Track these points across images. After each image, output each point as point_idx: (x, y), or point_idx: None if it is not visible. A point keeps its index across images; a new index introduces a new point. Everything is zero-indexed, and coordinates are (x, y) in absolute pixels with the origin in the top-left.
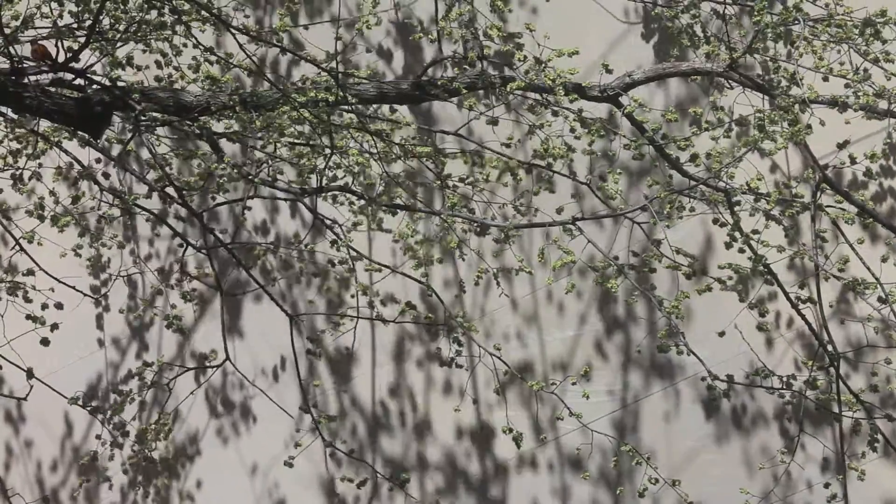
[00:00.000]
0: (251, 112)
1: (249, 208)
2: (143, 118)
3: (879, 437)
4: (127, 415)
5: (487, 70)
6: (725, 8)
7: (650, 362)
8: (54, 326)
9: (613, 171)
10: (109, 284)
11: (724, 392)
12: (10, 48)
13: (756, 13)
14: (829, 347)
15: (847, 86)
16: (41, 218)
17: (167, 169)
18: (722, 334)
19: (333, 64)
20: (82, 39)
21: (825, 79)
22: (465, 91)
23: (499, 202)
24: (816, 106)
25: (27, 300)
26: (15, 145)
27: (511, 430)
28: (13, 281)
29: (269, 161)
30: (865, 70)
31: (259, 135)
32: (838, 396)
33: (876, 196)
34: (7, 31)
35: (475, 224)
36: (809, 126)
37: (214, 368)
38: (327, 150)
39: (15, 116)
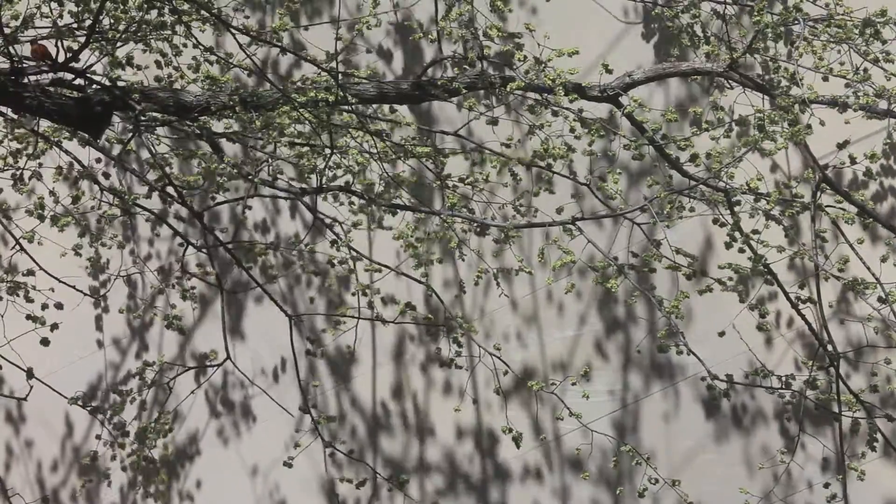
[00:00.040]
0: (251, 112)
1: (250, 207)
2: (143, 118)
3: (879, 436)
4: (128, 415)
5: (487, 70)
6: (725, 8)
7: (650, 362)
8: (54, 326)
9: (613, 172)
10: (109, 284)
11: (724, 392)
12: (10, 48)
13: (756, 13)
14: (829, 347)
15: (847, 85)
16: (41, 218)
17: (167, 169)
18: (722, 334)
19: (333, 64)
20: (82, 39)
21: (825, 79)
22: (465, 91)
23: (499, 202)
24: (816, 106)
25: (28, 300)
26: (15, 145)
27: (511, 430)
28: (13, 281)
29: (269, 161)
30: (865, 70)
31: (259, 135)
32: (838, 396)
33: (876, 196)
34: (7, 31)
35: (475, 224)
36: (809, 126)
37: (215, 368)
38: (327, 150)
39: (15, 116)
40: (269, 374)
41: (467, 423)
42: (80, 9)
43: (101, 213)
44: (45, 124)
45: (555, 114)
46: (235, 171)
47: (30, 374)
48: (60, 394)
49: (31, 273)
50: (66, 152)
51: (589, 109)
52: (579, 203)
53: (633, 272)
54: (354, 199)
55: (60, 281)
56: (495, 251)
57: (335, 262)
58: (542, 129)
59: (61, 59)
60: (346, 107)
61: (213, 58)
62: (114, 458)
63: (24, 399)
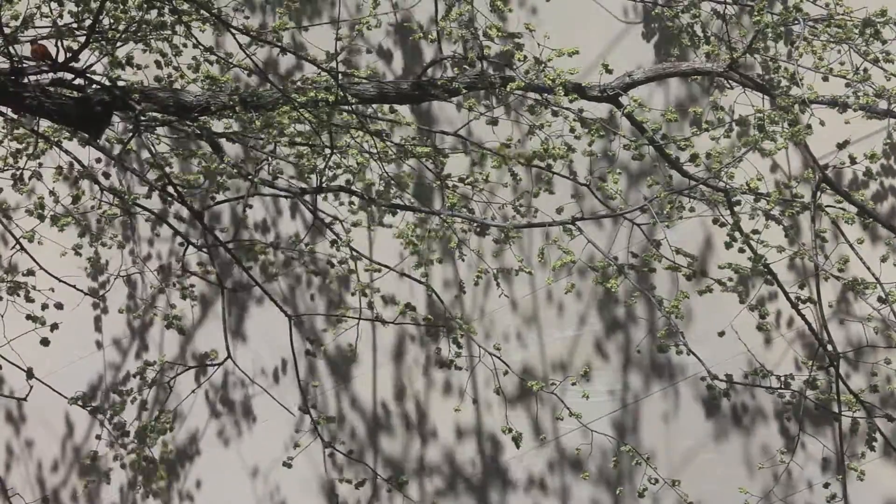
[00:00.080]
0: (251, 112)
1: (250, 206)
2: (143, 118)
3: (878, 436)
4: (128, 416)
5: (487, 70)
6: (726, 8)
7: (650, 362)
8: (54, 326)
9: (613, 172)
10: (109, 284)
11: (724, 392)
12: (10, 48)
13: (756, 13)
14: (829, 347)
15: (847, 85)
16: (41, 217)
17: (167, 169)
18: (722, 334)
19: (333, 64)
20: (82, 39)
21: (825, 79)
22: (465, 91)
23: (499, 202)
24: (816, 106)
25: (28, 300)
26: (15, 145)
27: (511, 430)
28: (13, 281)
29: (269, 160)
30: (865, 70)
31: (259, 135)
32: (838, 396)
33: (876, 196)
34: (7, 31)
35: (475, 224)
36: (809, 126)
37: (216, 366)
38: (327, 150)
39: (15, 116)
40: (270, 375)
41: (467, 423)
42: (80, 9)
43: (100, 212)
44: (45, 124)
45: (555, 114)
46: (235, 171)
47: (30, 374)
48: (60, 394)
49: (31, 273)
50: (67, 152)
51: (589, 109)
52: (579, 203)
53: (632, 272)
54: (354, 198)
55: (61, 280)
56: (495, 251)
57: (335, 262)
58: (541, 130)
59: (61, 59)
60: (346, 107)
61: (213, 58)
62: (116, 458)
63: (24, 399)
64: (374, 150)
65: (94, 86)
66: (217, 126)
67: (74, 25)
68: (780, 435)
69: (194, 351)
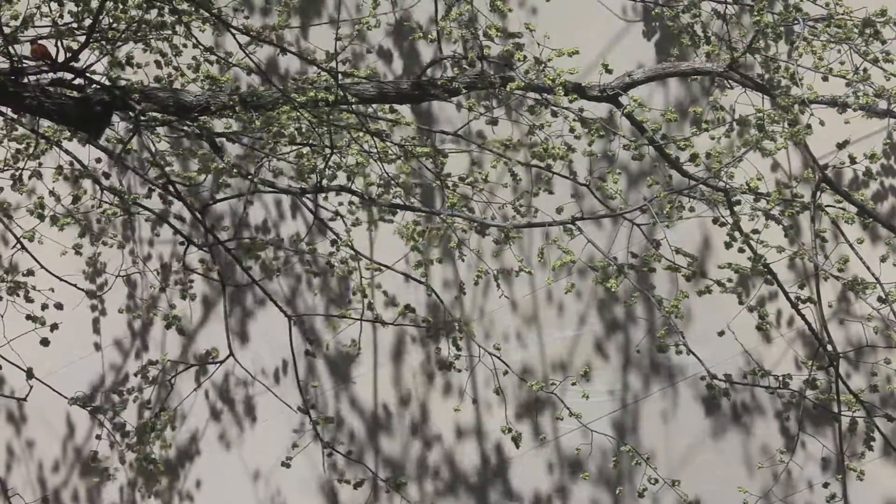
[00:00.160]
0: (251, 112)
1: (251, 202)
2: (143, 118)
3: (878, 436)
4: (129, 416)
5: (487, 70)
6: (726, 8)
7: (650, 362)
8: (54, 326)
9: (613, 172)
10: (109, 284)
11: (724, 391)
12: (10, 48)
13: (756, 13)
14: (829, 347)
15: (847, 85)
16: (41, 217)
17: (167, 168)
18: (721, 334)
19: (333, 64)
20: (82, 39)
21: (825, 79)
22: (464, 91)
23: (499, 202)
24: (816, 106)
25: (28, 300)
26: (15, 146)
27: (510, 430)
28: (14, 280)
29: (269, 159)
30: (865, 70)
31: (259, 135)
32: (837, 396)
33: (876, 196)
34: (7, 31)
35: (475, 224)
36: (809, 126)
37: (217, 364)
38: (327, 150)
39: (14, 116)
40: (270, 375)
41: (467, 423)
42: (80, 9)
43: (100, 212)
44: (45, 124)
45: (554, 114)
46: (235, 170)
47: (30, 374)
48: (60, 394)
49: (30, 273)
50: (67, 152)
51: (589, 109)
52: (579, 203)
53: (632, 272)
54: (354, 198)
55: (61, 279)
56: (495, 251)
57: (335, 262)
58: (541, 129)
59: (61, 59)
60: (345, 106)
61: (213, 58)
62: (122, 460)
63: (24, 399)
64: (374, 151)
65: (94, 86)
66: (217, 126)
67: (74, 25)
68: (780, 435)
69: (196, 352)
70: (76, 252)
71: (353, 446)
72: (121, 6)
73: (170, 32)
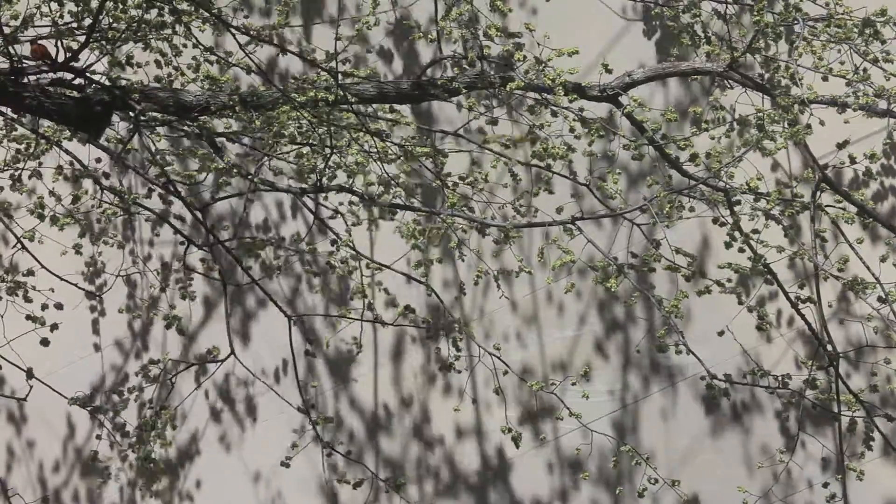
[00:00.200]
0: (251, 112)
1: (252, 200)
2: (143, 118)
3: (877, 435)
4: (130, 417)
5: (487, 70)
6: (726, 8)
7: (650, 362)
8: (54, 326)
9: (613, 172)
10: (109, 284)
11: (723, 391)
12: (10, 48)
13: (756, 13)
14: (829, 347)
15: (848, 84)
16: (41, 217)
17: (167, 167)
18: (721, 334)
19: (333, 64)
20: (82, 39)
21: (825, 79)
22: (464, 91)
23: (499, 202)
24: (816, 106)
25: (27, 300)
26: (15, 146)
27: (510, 430)
28: (14, 280)
29: (269, 159)
30: (865, 70)
31: (259, 135)
32: (837, 396)
33: (876, 196)
34: (7, 30)
35: (475, 224)
36: (809, 126)
37: (219, 363)
38: (327, 150)
39: (14, 116)
40: (270, 375)
41: (467, 423)
42: (80, 9)
43: (100, 212)
44: (45, 124)
45: (554, 114)
46: (235, 170)
47: (30, 374)
48: (60, 394)
49: (30, 273)
50: (67, 152)
51: (589, 109)
52: (579, 203)
53: (632, 272)
54: (354, 198)
55: (62, 279)
56: (495, 251)
57: (335, 261)
58: (541, 129)
59: (61, 59)
60: (345, 106)
61: (213, 58)
62: (124, 459)
63: (24, 399)
64: (374, 151)
65: (94, 86)
66: (217, 126)
67: (74, 25)
68: (780, 434)
69: (197, 352)
70: (76, 252)
71: (353, 446)
72: (121, 6)
73: (170, 32)
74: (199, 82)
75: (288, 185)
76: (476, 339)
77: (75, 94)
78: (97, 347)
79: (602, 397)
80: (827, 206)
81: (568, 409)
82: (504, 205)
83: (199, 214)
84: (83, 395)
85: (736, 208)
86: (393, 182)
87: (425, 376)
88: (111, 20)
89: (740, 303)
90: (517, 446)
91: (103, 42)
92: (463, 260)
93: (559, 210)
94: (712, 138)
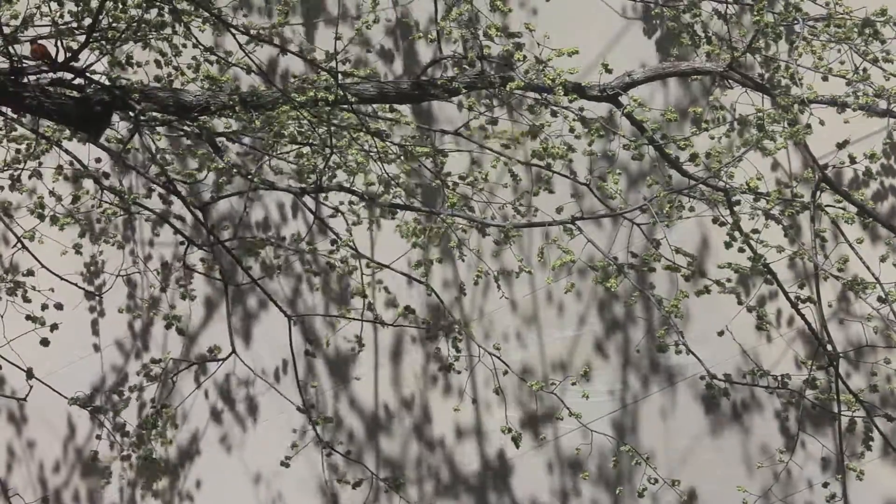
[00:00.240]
0: (251, 112)
1: (252, 199)
2: (143, 118)
3: (876, 435)
4: (131, 418)
5: (487, 70)
6: (727, 7)
7: (649, 362)
8: (54, 326)
9: (613, 171)
10: (109, 284)
11: (723, 391)
12: (10, 48)
13: (756, 12)
14: (829, 347)
15: (848, 84)
16: (41, 217)
17: (168, 167)
18: (721, 334)
19: (333, 64)
20: (82, 39)
21: (825, 78)
22: (464, 91)
23: (499, 202)
24: (816, 106)
25: (25, 300)
26: (15, 146)
27: (510, 430)
28: (13, 280)
29: (269, 159)
30: (865, 70)
31: (259, 134)
32: (837, 396)
33: (876, 196)
34: (7, 30)
35: (475, 224)
36: (809, 126)
37: (220, 362)
38: (327, 150)
39: (14, 116)
40: (270, 376)
41: (466, 423)
42: (80, 9)
43: (101, 212)
44: (45, 124)
45: (554, 114)
46: (235, 170)
47: (30, 374)
48: (60, 394)
49: (30, 273)
50: (67, 152)
51: (589, 109)
52: (579, 203)
53: (632, 272)
54: (354, 198)
55: (62, 278)
56: (495, 251)
57: (335, 261)
58: (542, 129)
59: (61, 58)
60: (345, 106)
61: (213, 58)
62: (126, 458)
63: (24, 399)
64: (375, 150)
65: (94, 86)
66: (217, 126)
67: (74, 25)
68: (780, 434)
69: (198, 353)
70: (76, 252)
71: (353, 446)
72: (121, 6)
73: (170, 32)
74: (199, 82)
75: (288, 185)
76: (476, 339)
77: (75, 94)
78: (97, 348)
79: (602, 397)
80: (827, 206)
81: (568, 409)
82: (504, 205)
83: (199, 214)
84: (83, 395)
85: (736, 208)
86: (393, 182)
87: (426, 377)
88: (111, 20)
89: (740, 303)
90: (517, 446)
91: (103, 42)
92: (463, 260)
93: (559, 210)
94: (712, 138)
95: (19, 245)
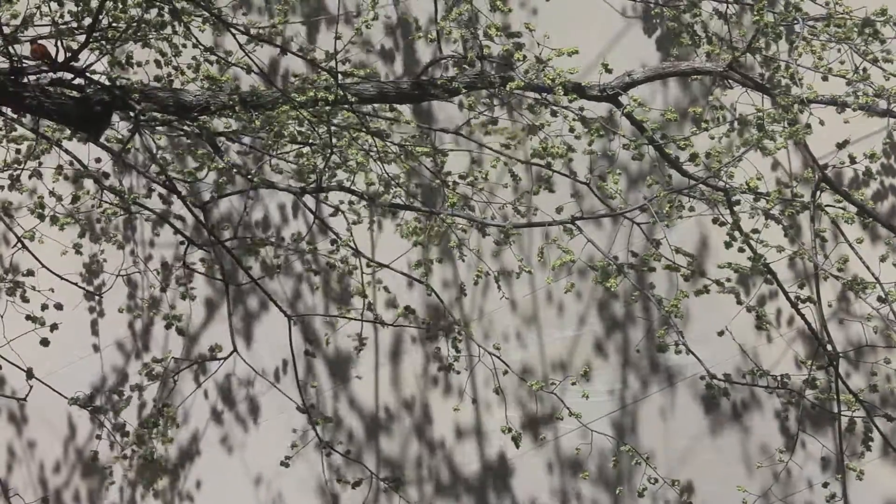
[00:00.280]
0: (251, 112)
1: (252, 198)
2: (143, 118)
3: (876, 435)
4: (131, 417)
5: (487, 70)
6: (727, 7)
7: (649, 362)
8: (54, 326)
9: (613, 171)
10: (109, 284)
11: (723, 391)
12: (10, 48)
13: (756, 12)
14: (829, 347)
15: (848, 84)
16: (41, 217)
17: (168, 166)
18: (721, 334)
19: (333, 64)
20: (82, 39)
21: (825, 78)
22: (464, 91)
23: (499, 202)
24: (816, 106)
25: (25, 300)
26: (14, 146)
27: (510, 430)
28: (14, 280)
29: (269, 158)
30: (865, 70)
31: (259, 134)
32: (837, 396)
33: (876, 195)
34: (7, 30)
35: (475, 223)
36: (809, 126)
37: (221, 361)
38: (327, 150)
39: (14, 116)
40: (270, 376)
41: (466, 423)
42: (80, 9)
43: (100, 211)
44: (45, 124)
45: (554, 114)
46: (235, 170)
47: (30, 374)
48: (60, 394)
49: (30, 273)
50: (67, 152)
51: (589, 109)
52: (579, 202)
53: (632, 272)
54: (354, 198)
55: (63, 278)
56: (495, 251)
57: (335, 261)
58: (541, 129)
59: (61, 58)
60: (346, 106)
61: (213, 58)
62: (127, 458)
63: (24, 399)
64: (375, 150)
65: (94, 86)
66: (217, 126)
67: (74, 25)
68: (780, 434)
69: (199, 353)
70: (76, 252)
71: (353, 446)
72: (121, 6)
73: (170, 32)
74: (199, 82)
75: (288, 184)
76: (476, 339)
77: (75, 94)
78: (97, 348)
79: (602, 397)
80: (827, 205)
81: (568, 409)
82: (504, 204)
83: (199, 214)
84: (83, 395)
85: (736, 208)
86: (393, 182)
87: (426, 377)
88: (111, 20)
89: (739, 302)
90: (517, 446)
91: (103, 42)
92: (463, 260)
93: (559, 210)
94: (712, 138)
95: (19, 245)
